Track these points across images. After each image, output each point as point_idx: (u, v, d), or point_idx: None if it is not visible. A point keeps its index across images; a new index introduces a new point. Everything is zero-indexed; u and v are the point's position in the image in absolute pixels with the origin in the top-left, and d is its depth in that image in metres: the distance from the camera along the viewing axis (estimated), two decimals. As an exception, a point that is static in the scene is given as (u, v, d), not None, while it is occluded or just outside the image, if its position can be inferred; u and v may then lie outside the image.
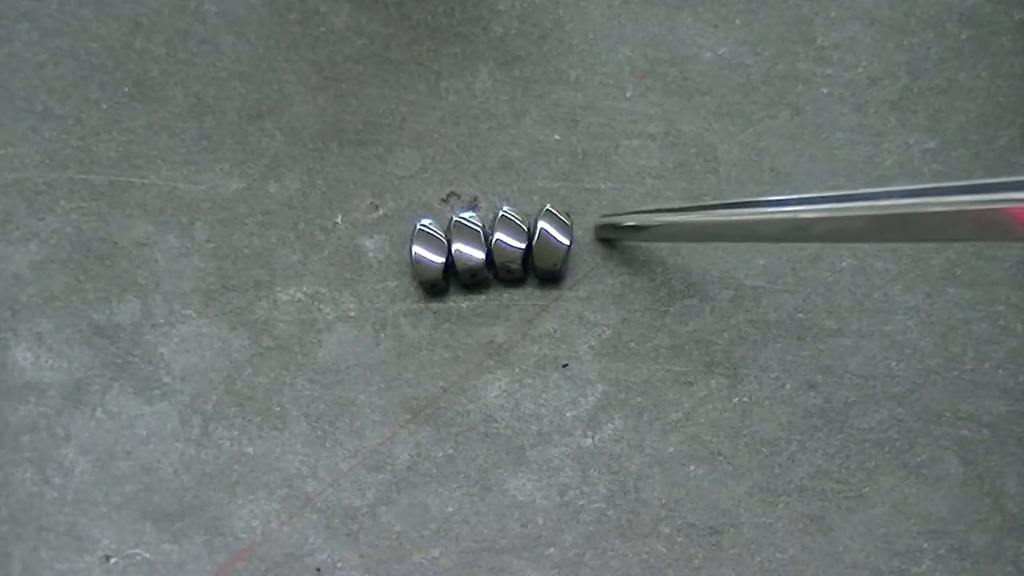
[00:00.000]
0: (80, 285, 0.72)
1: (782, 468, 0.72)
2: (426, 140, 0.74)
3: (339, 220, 0.73)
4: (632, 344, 0.73)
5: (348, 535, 0.70)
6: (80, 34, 0.73)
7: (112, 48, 0.73)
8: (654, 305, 0.73)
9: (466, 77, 0.75)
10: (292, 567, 0.70)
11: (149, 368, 0.71)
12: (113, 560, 0.70)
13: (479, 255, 0.69)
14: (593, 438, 0.72)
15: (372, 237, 0.73)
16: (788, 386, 0.73)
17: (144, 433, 0.71)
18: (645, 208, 0.73)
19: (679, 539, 0.71)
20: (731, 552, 0.71)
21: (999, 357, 0.73)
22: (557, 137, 0.74)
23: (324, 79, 0.74)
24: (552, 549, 0.71)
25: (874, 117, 0.75)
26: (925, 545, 0.72)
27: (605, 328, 0.73)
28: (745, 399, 0.72)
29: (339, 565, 0.70)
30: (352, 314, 0.72)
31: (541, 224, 0.70)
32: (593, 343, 0.73)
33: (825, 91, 0.75)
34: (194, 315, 0.72)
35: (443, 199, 0.74)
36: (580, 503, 0.71)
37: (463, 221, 0.70)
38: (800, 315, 0.73)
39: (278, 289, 0.72)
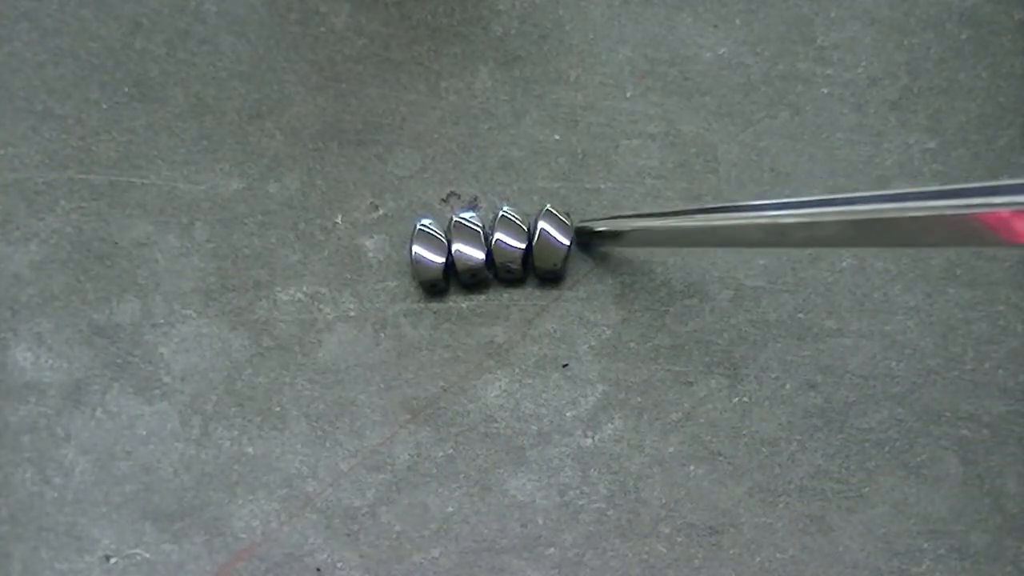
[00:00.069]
0: (80, 285, 0.72)
1: (782, 468, 0.72)
2: (426, 140, 0.74)
3: (339, 220, 0.73)
4: (632, 344, 0.73)
5: (348, 535, 0.70)
6: (80, 34, 0.73)
7: (112, 48, 0.73)
8: (654, 305, 0.73)
9: (466, 77, 0.75)
10: (292, 567, 0.70)
11: (149, 368, 0.71)
12: (113, 560, 0.70)
13: (479, 255, 0.69)
14: (593, 438, 0.72)
15: (372, 237, 0.73)
16: (788, 386, 0.73)
17: (144, 433, 0.71)
18: (620, 214, 0.72)
19: (679, 539, 0.71)
20: (731, 552, 0.71)
21: (999, 357, 0.73)
22: (557, 137, 0.74)
23: (324, 79, 0.74)
24: (552, 549, 0.71)
25: (874, 117, 0.75)
26: (925, 545, 0.72)
27: (605, 328, 0.73)
28: (745, 399, 0.72)
29: (339, 565, 0.70)
30: (352, 314, 0.72)
31: (541, 224, 0.70)
32: (593, 343, 0.73)
33: (825, 91, 0.75)
34: (194, 315, 0.72)
35: (443, 199, 0.74)
36: (580, 503, 0.71)
37: (463, 221, 0.70)
38: (800, 315, 0.73)
39: (278, 289, 0.72)
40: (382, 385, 0.72)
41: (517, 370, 0.72)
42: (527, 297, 0.73)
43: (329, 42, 0.74)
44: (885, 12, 0.75)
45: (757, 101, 0.75)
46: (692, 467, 0.72)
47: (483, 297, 0.73)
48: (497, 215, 0.70)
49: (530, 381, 0.72)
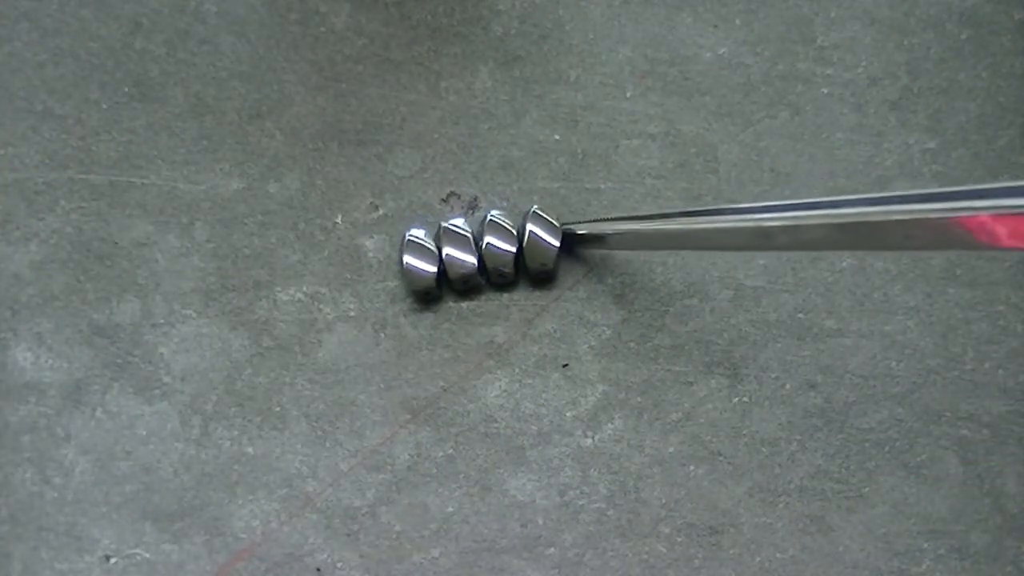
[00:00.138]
0: (80, 285, 0.72)
1: (782, 468, 0.72)
2: (426, 140, 0.74)
3: (339, 220, 0.73)
4: (632, 344, 0.73)
5: (348, 535, 0.70)
6: (80, 34, 0.73)
7: (112, 48, 0.73)
8: (654, 305, 0.73)
9: (466, 77, 0.75)
10: (292, 567, 0.70)
11: (149, 368, 0.71)
12: (113, 560, 0.70)
13: (471, 260, 0.69)
14: (593, 438, 0.72)
15: (372, 237, 0.73)
16: (788, 386, 0.73)
17: (144, 433, 0.71)
18: (603, 217, 0.72)
19: (679, 539, 0.71)
20: (731, 552, 0.71)
21: (999, 357, 0.73)
22: (557, 137, 0.74)
23: (324, 79, 0.74)
24: (552, 549, 0.71)
25: (874, 117, 0.75)
26: (925, 545, 0.72)
27: (605, 328, 0.73)
28: (745, 399, 0.73)
29: (339, 565, 0.70)
30: (352, 314, 0.72)
31: (529, 227, 0.70)
32: (593, 343, 0.73)
33: (825, 91, 0.75)
34: (194, 315, 0.72)
35: (443, 199, 0.74)
36: (580, 503, 0.71)
37: (452, 228, 0.70)
38: (800, 315, 0.73)
39: (278, 289, 0.72)
40: (382, 385, 0.72)
41: (517, 370, 0.72)
42: (527, 297, 0.73)
43: (329, 42, 0.74)
44: (885, 12, 0.75)
45: (757, 101, 0.75)
46: (692, 467, 0.72)
47: (483, 297, 0.73)
48: (485, 219, 0.70)
49: (530, 381, 0.72)
